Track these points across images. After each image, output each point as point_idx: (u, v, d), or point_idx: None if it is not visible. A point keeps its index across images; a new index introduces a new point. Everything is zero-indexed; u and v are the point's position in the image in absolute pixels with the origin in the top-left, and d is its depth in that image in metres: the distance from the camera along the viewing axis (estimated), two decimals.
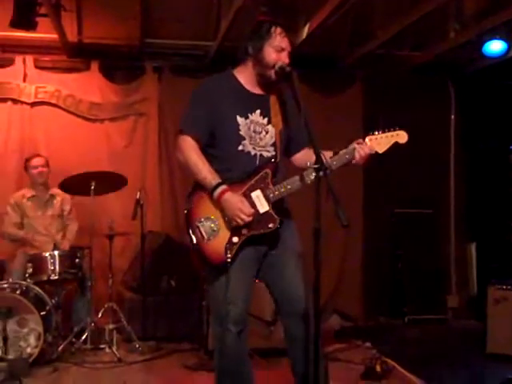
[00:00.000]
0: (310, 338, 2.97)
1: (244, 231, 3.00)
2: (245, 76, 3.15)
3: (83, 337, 4.91)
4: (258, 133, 3.11)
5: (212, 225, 3.03)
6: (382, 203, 6.69)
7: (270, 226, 2.99)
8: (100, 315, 5.11)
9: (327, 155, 2.95)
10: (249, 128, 3.09)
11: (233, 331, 3.00)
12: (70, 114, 6.35)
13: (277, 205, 3.04)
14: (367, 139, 3.01)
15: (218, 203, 3.00)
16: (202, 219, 3.05)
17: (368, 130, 3.12)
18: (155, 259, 5.60)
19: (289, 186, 3.00)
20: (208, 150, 3.09)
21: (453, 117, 7.16)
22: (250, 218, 2.96)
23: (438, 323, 6.36)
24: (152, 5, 5.93)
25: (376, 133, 3.05)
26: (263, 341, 4.72)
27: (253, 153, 3.09)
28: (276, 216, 3.00)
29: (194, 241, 3.06)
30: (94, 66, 6.42)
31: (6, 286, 4.68)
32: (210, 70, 6.67)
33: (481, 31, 5.74)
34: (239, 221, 2.95)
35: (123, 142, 6.44)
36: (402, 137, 3.02)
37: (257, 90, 3.16)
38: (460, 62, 6.86)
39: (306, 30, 5.73)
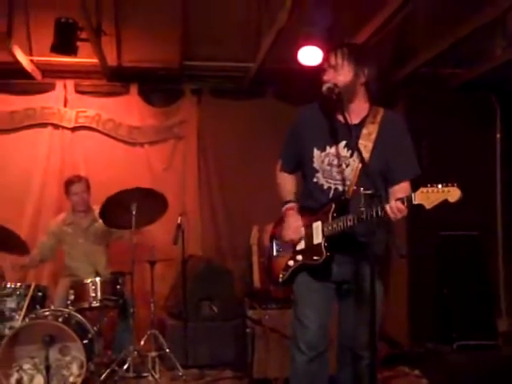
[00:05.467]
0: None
1: (299, 257, 3.12)
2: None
3: (126, 365, 4.82)
4: (336, 166, 3.04)
5: (281, 244, 3.24)
6: (426, 226, 6.50)
7: (315, 258, 3.03)
8: (142, 343, 5.01)
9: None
10: (322, 161, 3.06)
11: (305, 353, 3.01)
12: (110, 138, 6.38)
13: (347, 242, 2.97)
14: (418, 191, 2.71)
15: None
16: (277, 236, 3.23)
17: None
18: (196, 284, 5.52)
19: (347, 223, 2.90)
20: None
21: (498, 136, 6.96)
22: (294, 239, 3.11)
23: (489, 349, 6.13)
24: (191, 27, 5.93)
25: (429, 186, 2.72)
26: None
27: (326, 186, 3.08)
28: (324, 250, 2.99)
29: (267, 255, 3.30)
30: (133, 89, 6.46)
31: (48, 313, 4.64)
32: (249, 91, 6.69)
33: None
34: (286, 237, 3.15)
35: (163, 166, 6.43)
36: (453, 195, 2.69)
37: (350, 119, 2.97)
38: (505, 79, 6.69)
39: None
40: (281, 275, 3.18)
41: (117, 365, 4.86)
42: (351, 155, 3.00)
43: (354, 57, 2.99)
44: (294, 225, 3.13)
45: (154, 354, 4.98)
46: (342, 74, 2.98)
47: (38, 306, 4.77)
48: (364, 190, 2.74)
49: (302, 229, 3.11)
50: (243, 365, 4.98)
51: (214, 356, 5.30)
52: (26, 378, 4.34)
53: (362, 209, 2.75)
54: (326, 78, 3.02)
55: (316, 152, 3.07)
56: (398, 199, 2.73)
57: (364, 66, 3.00)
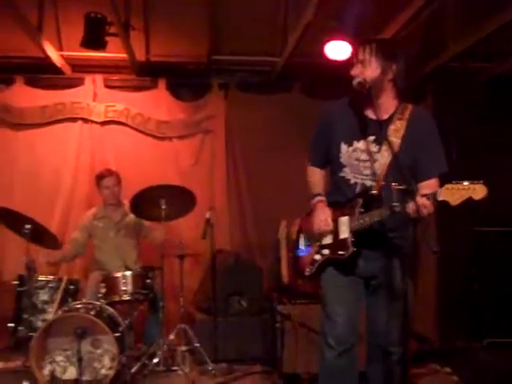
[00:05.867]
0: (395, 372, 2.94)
1: (325, 251, 3.13)
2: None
3: (156, 358, 4.85)
4: (363, 161, 3.04)
5: (308, 238, 3.24)
6: (458, 221, 6.43)
7: (341, 252, 3.03)
8: (172, 337, 5.03)
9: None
10: (350, 156, 3.07)
11: (333, 347, 3.02)
12: (139, 132, 6.42)
13: (376, 237, 2.99)
14: (443, 188, 2.70)
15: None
16: (304, 231, 3.29)
17: None
18: (225, 279, 5.50)
19: (375, 218, 2.91)
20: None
21: None
22: (323, 231, 3.10)
23: None
24: (219, 22, 5.93)
25: (454, 182, 2.71)
26: None
27: (352, 181, 3.08)
28: (350, 245, 2.99)
29: (294, 249, 3.32)
30: (162, 83, 6.48)
31: (80, 306, 4.66)
32: (276, 86, 6.67)
33: None
34: (315, 229, 3.14)
35: (191, 160, 6.45)
36: (478, 192, 2.65)
37: (378, 115, 2.99)
38: None
39: None
40: (307, 269, 3.21)
41: (147, 358, 4.89)
42: (379, 150, 3.00)
43: (382, 53, 2.99)
44: (323, 216, 3.13)
45: (183, 348, 5.01)
46: (370, 70, 2.99)
47: (69, 299, 4.82)
48: (394, 185, 2.76)
49: (331, 221, 3.11)
50: (272, 360, 4.97)
51: (242, 351, 5.29)
52: (58, 370, 4.37)
53: (395, 204, 2.74)
54: (353, 72, 3.03)
55: (343, 147, 3.08)
56: (423, 195, 2.73)
57: (392, 62, 2.99)
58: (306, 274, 3.21)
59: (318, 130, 3.29)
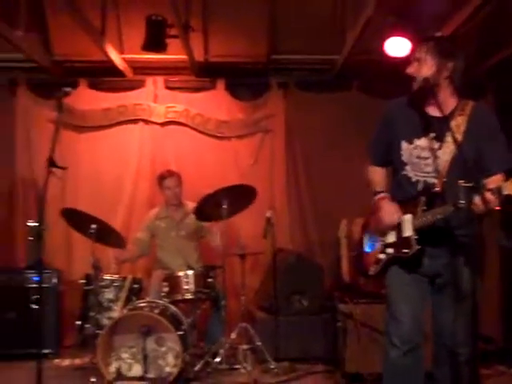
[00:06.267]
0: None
1: (389, 250, 3.10)
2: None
3: (218, 357, 4.89)
4: (424, 158, 3.03)
5: (372, 237, 3.24)
6: None
7: (404, 251, 3.01)
8: (234, 336, 5.06)
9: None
10: (411, 154, 3.06)
11: (398, 347, 2.99)
12: (199, 132, 6.48)
13: (440, 234, 2.95)
14: (508, 182, 2.64)
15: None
16: (369, 230, 3.28)
17: None
18: (286, 278, 5.48)
19: (438, 215, 2.88)
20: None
21: None
22: (391, 223, 3.07)
23: None
24: (278, 21, 5.94)
25: None
26: None
27: (414, 179, 3.07)
28: (414, 243, 2.96)
29: (358, 248, 3.33)
30: (220, 84, 6.52)
31: (144, 305, 4.74)
32: (335, 84, 6.63)
33: None
34: (383, 222, 3.12)
35: (250, 160, 6.48)
36: None
37: (439, 112, 2.98)
38: None
39: None
40: (372, 268, 3.20)
41: (210, 356, 4.94)
42: (440, 147, 2.98)
43: (438, 51, 2.99)
44: (390, 209, 3.12)
45: (245, 346, 5.03)
46: (425, 68, 3.00)
47: (133, 298, 4.93)
48: (458, 182, 2.71)
49: (398, 214, 3.08)
50: (334, 359, 4.95)
51: (304, 350, 5.28)
52: (124, 367, 4.46)
53: (460, 201, 2.70)
54: (408, 70, 3.06)
55: (404, 145, 3.08)
56: (488, 190, 2.67)
57: (448, 60, 2.98)
58: (371, 273, 3.20)
59: (378, 129, 3.30)
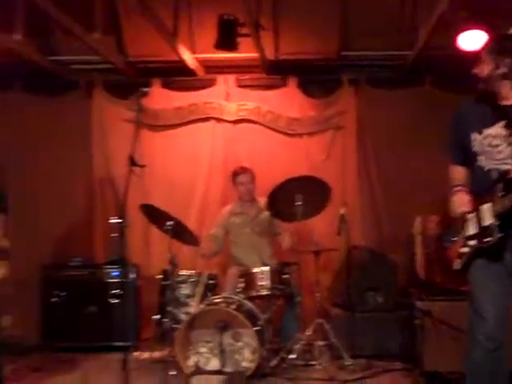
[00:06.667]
0: None
1: (471, 242, 3.08)
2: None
3: (294, 353, 4.89)
4: (496, 146, 3.06)
5: (454, 232, 3.23)
6: None
7: (487, 239, 2.99)
8: (309, 332, 5.06)
9: None
10: (482, 143, 3.10)
11: (483, 345, 2.96)
12: (270, 129, 6.51)
13: None
14: None
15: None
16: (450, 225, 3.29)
17: None
18: (360, 275, 5.47)
19: None
20: None
21: None
22: (464, 211, 3.11)
23: None
24: (348, 18, 5.91)
25: None
26: None
27: (487, 167, 3.09)
28: (495, 230, 2.93)
29: (439, 244, 3.46)
30: (292, 81, 6.54)
31: (220, 300, 4.79)
32: (407, 80, 6.53)
33: None
34: (456, 211, 3.16)
35: (322, 156, 6.46)
36: None
37: (505, 101, 3.10)
38: None
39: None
40: (455, 263, 3.18)
41: (285, 352, 4.95)
42: (511, 134, 3.00)
43: (495, 48, 3.12)
44: (459, 201, 3.18)
45: (320, 343, 5.01)
46: (485, 66, 3.12)
47: (209, 293, 5.00)
48: None
49: (467, 206, 3.13)
50: (411, 357, 4.86)
51: (380, 346, 5.22)
52: (202, 361, 4.52)
53: None
54: (473, 71, 3.18)
55: (474, 136, 3.13)
56: None
57: (505, 56, 3.06)
58: (455, 267, 3.17)
59: (450, 131, 3.36)
